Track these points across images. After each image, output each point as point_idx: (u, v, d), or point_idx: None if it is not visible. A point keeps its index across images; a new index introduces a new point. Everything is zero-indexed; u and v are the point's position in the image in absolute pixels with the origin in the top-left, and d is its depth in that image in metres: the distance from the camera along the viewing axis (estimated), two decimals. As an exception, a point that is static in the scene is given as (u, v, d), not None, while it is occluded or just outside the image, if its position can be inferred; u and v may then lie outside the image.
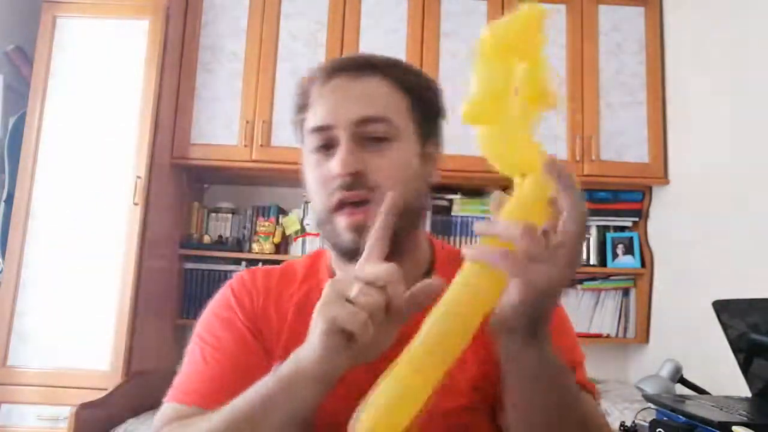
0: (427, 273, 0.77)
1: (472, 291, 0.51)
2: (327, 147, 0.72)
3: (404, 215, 0.67)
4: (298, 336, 0.70)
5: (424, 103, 0.77)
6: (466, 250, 0.52)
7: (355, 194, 0.69)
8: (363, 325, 0.51)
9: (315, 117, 0.74)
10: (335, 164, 0.70)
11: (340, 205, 0.70)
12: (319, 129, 0.73)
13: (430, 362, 0.50)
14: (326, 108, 0.73)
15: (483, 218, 2.36)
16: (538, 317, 0.53)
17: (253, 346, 0.74)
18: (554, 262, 0.50)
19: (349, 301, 0.53)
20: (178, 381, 0.73)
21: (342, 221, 0.70)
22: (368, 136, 0.71)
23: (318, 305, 0.55)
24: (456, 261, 0.54)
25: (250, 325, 0.75)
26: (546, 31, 0.52)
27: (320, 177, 0.72)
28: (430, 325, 0.51)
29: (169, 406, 0.71)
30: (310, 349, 0.55)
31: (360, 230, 0.68)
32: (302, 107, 0.77)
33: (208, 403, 0.66)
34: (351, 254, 0.69)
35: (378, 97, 0.73)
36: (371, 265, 0.55)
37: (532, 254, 0.49)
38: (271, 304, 0.77)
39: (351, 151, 0.70)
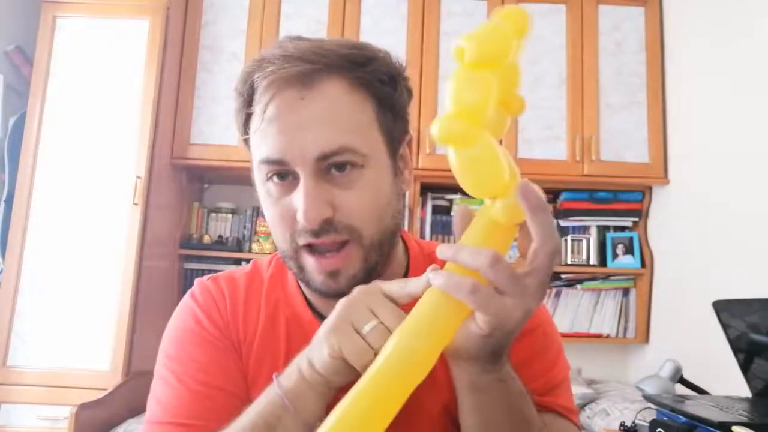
0: (405, 275, 0.72)
1: (436, 316, 0.49)
2: (283, 175, 0.62)
3: (384, 243, 0.64)
4: (268, 350, 0.70)
5: (391, 101, 0.65)
6: (432, 275, 0.49)
7: (325, 240, 0.61)
8: (368, 361, 0.50)
9: (264, 145, 0.62)
10: (299, 212, 0.60)
11: (309, 247, 0.62)
12: (272, 162, 0.62)
13: (392, 387, 0.48)
14: (278, 137, 0.60)
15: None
16: (501, 347, 0.51)
17: (231, 359, 0.69)
18: (522, 295, 0.47)
19: (357, 332, 0.52)
20: (158, 410, 0.67)
21: (311, 262, 0.63)
22: (332, 164, 0.61)
23: (326, 327, 0.54)
24: (429, 260, 0.53)
25: (222, 336, 0.70)
26: (529, 34, 0.48)
27: (281, 215, 0.63)
28: (391, 350, 0.48)
29: None
30: (309, 362, 0.55)
31: (334, 275, 0.62)
32: (246, 117, 0.65)
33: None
34: (323, 294, 0.64)
35: (338, 116, 0.61)
36: (392, 311, 0.53)
37: (500, 287, 0.47)
38: (239, 314, 0.71)
39: (315, 194, 0.59)
